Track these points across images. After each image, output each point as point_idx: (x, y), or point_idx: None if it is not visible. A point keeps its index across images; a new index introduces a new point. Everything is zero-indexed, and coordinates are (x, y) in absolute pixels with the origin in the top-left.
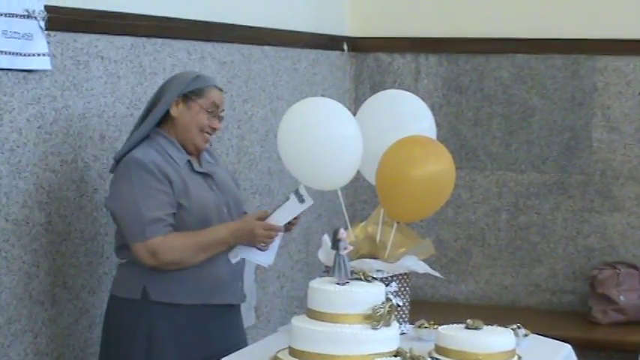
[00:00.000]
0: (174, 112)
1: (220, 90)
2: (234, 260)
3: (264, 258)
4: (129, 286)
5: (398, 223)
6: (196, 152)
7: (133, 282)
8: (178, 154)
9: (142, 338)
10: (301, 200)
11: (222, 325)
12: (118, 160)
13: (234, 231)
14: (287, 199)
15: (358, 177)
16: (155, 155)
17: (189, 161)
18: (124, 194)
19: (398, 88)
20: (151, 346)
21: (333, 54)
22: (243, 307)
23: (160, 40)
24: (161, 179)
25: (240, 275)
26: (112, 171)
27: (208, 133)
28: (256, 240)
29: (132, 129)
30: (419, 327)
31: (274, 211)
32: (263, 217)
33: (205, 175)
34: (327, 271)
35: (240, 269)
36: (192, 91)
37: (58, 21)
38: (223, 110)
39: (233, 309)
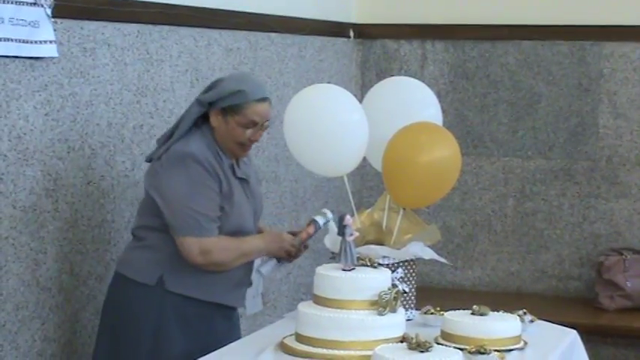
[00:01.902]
0: (213, 121)
1: (264, 100)
2: (264, 271)
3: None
4: (145, 270)
5: (404, 209)
6: (239, 158)
7: (150, 268)
8: (224, 155)
9: (152, 323)
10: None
11: (226, 324)
12: (160, 147)
13: (267, 240)
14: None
15: (365, 164)
16: (208, 153)
17: (232, 165)
18: (178, 186)
19: (404, 75)
20: (160, 332)
21: (340, 41)
22: (249, 293)
23: (166, 27)
24: (213, 178)
25: (247, 281)
26: (153, 157)
27: (247, 144)
28: (284, 247)
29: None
30: (425, 313)
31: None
32: (294, 234)
33: (242, 181)
34: (334, 257)
35: (248, 275)
36: (229, 106)
37: (65, 8)
38: (267, 120)
39: (235, 312)
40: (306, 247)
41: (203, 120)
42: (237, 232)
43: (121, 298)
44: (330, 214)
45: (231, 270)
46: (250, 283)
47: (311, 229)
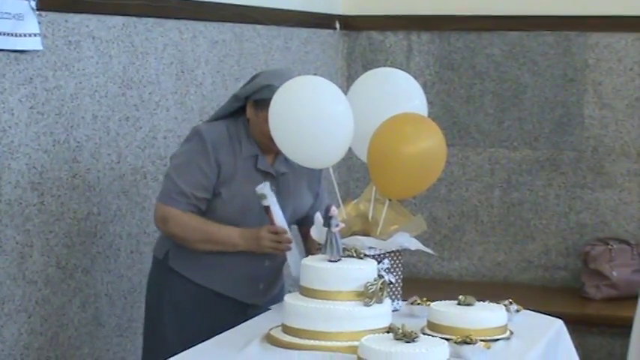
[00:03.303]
0: (248, 112)
1: None
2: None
3: (292, 266)
4: (159, 244)
5: (390, 200)
6: (270, 152)
7: (162, 241)
8: (248, 145)
9: (154, 299)
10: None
11: (229, 318)
12: None
13: (244, 235)
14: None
15: (351, 155)
16: (222, 136)
17: (256, 156)
18: (176, 157)
19: (390, 66)
20: (158, 311)
21: (325, 32)
22: (291, 256)
23: (151, 20)
24: (210, 161)
25: (265, 278)
26: None
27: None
28: (263, 245)
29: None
30: (411, 304)
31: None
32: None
33: (268, 175)
34: (320, 248)
35: (266, 272)
36: (259, 99)
37: (50, 1)
38: None
39: (247, 308)
40: (285, 232)
41: (243, 111)
42: (239, 220)
43: (149, 275)
44: (261, 185)
45: (234, 260)
46: (266, 281)
47: (269, 214)
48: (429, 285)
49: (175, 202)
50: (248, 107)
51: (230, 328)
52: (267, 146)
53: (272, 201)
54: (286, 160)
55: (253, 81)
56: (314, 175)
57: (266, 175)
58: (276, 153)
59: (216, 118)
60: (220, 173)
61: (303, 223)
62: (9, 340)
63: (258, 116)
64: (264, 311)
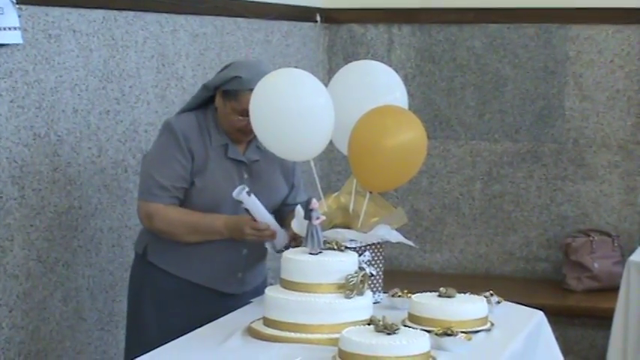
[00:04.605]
0: (217, 102)
1: None
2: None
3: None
4: (138, 239)
5: (371, 192)
6: (240, 142)
7: (141, 236)
8: (217, 135)
9: (133, 295)
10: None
11: (209, 309)
12: None
13: (229, 225)
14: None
15: (332, 148)
16: (191, 126)
17: (225, 145)
18: (150, 152)
19: (371, 59)
20: (138, 306)
21: (306, 25)
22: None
23: (131, 13)
24: (184, 150)
25: (242, 267)
26: None
27: (244, 132)
28: (246, 236)
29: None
30: (392, 296)
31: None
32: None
33: (239, 163)
34: (301, 241)
35: (244, 261)
36: (227, 90)
37: None
38: None
39: (226, 298)
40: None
41: (212, 102)
42: (212, 210)
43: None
44: (237, 190)
45: (210, 250)
46: (244, 270)
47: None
48: (410, 277)
49: (157, 197)
50: (217, 97)
51: (211, 319)
52: (236, 137)
53: (250, 205)
54: (258, 147)
55: (223, 71)
56: (287, 166)
57: (238, 164)
58: (248, 141)
59: (186, 109)
60: (194, 162)
61: (278, 213)
62: None
63: (225, 106)
64: (245, 301)
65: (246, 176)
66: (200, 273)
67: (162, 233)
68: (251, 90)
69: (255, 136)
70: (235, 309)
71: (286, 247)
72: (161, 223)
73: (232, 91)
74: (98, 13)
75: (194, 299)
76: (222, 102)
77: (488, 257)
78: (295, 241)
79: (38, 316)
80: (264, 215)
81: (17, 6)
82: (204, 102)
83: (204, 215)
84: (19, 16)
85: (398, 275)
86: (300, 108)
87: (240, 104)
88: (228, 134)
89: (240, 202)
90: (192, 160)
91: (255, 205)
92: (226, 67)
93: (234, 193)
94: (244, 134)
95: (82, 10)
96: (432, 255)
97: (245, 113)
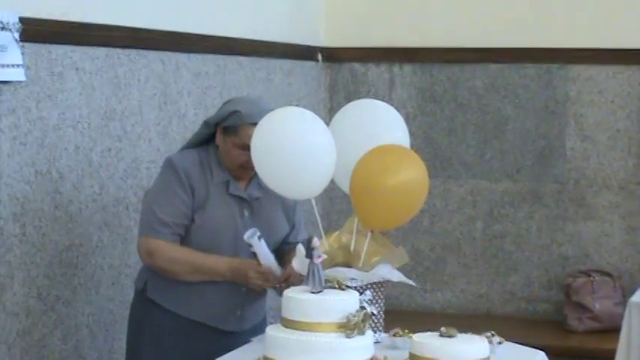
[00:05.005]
0: (217, 139)
1: None
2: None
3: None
4: (140, 275)
5: (372, 231)
6: (241, 178)
7: (142, 272)
8: (219, 171)
9: (132, 331)
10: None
11: (208, 347)
12: None
13: (232, 269)
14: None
15: (333, 187)
16: (193, 163)
17: (227, 181)
18: (152, 189)
19: (372, 98)
20: (136, 343)
21: (308, 64)
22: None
23: (134, 51)
24: (185, 186)
25: (241, 305)
26: None
27: (245, 167)
28: (249, 283)
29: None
30: (393, 335)
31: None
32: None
33: (241, 200)
34: (302, 279)
35: (243, 299)
36: (227, 126)
37: (33, 32)
38: None
39: (226, 335)
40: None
41: (214, 139)
42: (211, 247)
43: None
44: (249, 232)
45: (210, 288)
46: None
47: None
48: (411, 317)
49: (158, 233)
50: (217, 134)
51: (209, 358)
52: (238, 173)
53: (258, 249)
54: (260, 184)
55: (223, 107)
56: (289, 204)
57: (239, 200)
58: (250, 178)
59: (188, 146)
60: (194, 198)
61: (278, 252)
62: None
63: (226, 142)
64: (244, 340)
65: (247, 213)
66: (199, 310)
67: (163, 271)
68: (250, 124)
69: (256, 173)
70: (234, 347)
71: (280, 287)
72: (162, 261)
73: (232, 126)
74: (101, 51)
75: (193, 337)
76: (222, 138)
77: (489, 297)
78: (287, 281)
79: (37, 354)
80: (270, 261)
81: (20, 43)
82: (206, 139)
83: (207, 256)
84: (22, 54)
85: (398, 315)
86: (302, 146)
87: (240, 139)
88: (230, 170)
89: (249, 246)
90: (192, 196)
91: (263, 250)
92: (226, 103)
93: (246, 236)
94: (246, 170)
95: (85, 48)
96: (433, 295)
97: (245, 147)
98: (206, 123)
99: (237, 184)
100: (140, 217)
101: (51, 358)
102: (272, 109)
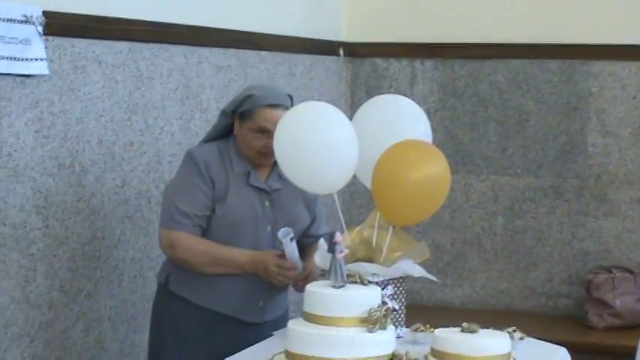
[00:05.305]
0: (235, 128)
1: (274, 106)
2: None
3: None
4: (162, 269)
5: (393, 226)
6: (262, 167)
7: (164, 266)
8: (239, 162)
9: (155, 326)
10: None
11: (230, 339)
12: None
13: (253, 261)
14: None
15: (355, 181)
16: (213, 154)
17: (247, 172)
18: (172, 182)
19: (394, 93)
20: (159, 337)
21: (329, 59)
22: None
23: (157, 45)
24: (205, 179)
25: (263, 296)
26: None
27: (263, 153)
28: (270, 276)
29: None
30: (415, 330)
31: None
32: (284, 256)
33: (261, 191)
34: (324, 274)
35: (265, 290)
36: (243, 112)
37: (56, 26)
38: None
39: (248, 327)
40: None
41: (232, 130)
42: (233, 238)
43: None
44: (282, 231)
45: (231, 279)
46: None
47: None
48: (432, 312)
49: (180, 224)
50: (235, 123)
51: (231, 351)
52: (257, 160)
53: (287, 249)
54: (280, 176)
55: (238, 96)
56: (310, 196)
57: (259, 191)
58: (271, 168)
59: (207, 139)
60: (215, 190)
61: (299, 245)
62: None
63: (242, 128)
64: (266, 332)
65: (267, 204)
66: (221, 301)
67: (184, 262)
68: (264, 106)
69: (276, 163)
70: (256, 340)
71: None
72: (183, 253)
73: (247, 110)
74: (124, 45)
75: (215, 329)
76: (239, 125)
77: (510, 293)
78: (306, 279)
79: (60, 346)
80: (297, 261)
81: (44, 37)
82: (225, 132)
83: (228, 248)
84: (46, 47)
85: (419, 310)
86: (325, 141)
87: (255, 122)
88: (249, 159)
89: (281, 243)
90: (213, 187)
91: (291, 250)
92: (241, 93)
93: (280, 234)
94: (265, 156)
95: (108, 42)
96: (453, 290)
97: (261, 130)
98: (223, 112)
99: (258, 175)
100: (161, 210)
101: (73, 351)
102: (287, 94)
